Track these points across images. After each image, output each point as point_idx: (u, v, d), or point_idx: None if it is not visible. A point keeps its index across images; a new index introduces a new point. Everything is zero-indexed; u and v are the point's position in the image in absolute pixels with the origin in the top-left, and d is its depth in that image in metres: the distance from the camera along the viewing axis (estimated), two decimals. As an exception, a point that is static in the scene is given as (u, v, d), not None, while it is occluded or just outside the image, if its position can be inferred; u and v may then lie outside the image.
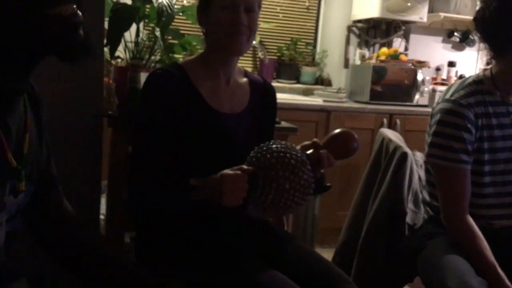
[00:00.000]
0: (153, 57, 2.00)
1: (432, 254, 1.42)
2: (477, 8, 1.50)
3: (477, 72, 3.75)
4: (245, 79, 1.41)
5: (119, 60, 2.04)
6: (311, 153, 1.19)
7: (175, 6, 1.92)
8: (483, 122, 1.43)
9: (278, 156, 1.12)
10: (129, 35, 1.96)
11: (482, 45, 1.50)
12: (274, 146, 1.15)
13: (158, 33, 1.87)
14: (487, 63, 1.49)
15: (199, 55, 1.36)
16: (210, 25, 1.28)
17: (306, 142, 1.24)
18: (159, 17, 1.75)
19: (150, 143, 1.21)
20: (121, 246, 1.90)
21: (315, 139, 1.23)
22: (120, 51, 1.96)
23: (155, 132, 1.21)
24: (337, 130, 1.28)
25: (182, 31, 2.18)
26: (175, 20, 2.18)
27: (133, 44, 1.96)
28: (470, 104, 1.41)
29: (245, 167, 1.11)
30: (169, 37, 2.06)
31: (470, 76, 1.52)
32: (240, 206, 1.10)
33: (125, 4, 1.83)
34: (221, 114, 1.30)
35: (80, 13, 0.80)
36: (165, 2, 1.73)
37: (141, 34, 1.98)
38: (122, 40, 1.92)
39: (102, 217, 2.05)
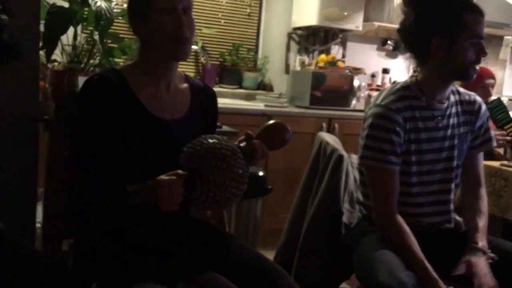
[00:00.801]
0: (91, 61, 1.96)
1: (365, 250, 1.50)
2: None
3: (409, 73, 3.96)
4: (185, 85, 1.40)
5: (55, 63, 1.99)
6: (244, 145, 1.22)
7: (115, 10, 1.90)
8: (410, 126, 1.52)
9: (208, 147, 1.14)
10: (67, 38, 1.92)
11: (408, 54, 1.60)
12: (205, 140, 1.17)
13: (96, 37, 1.84)
14: (414, 71, 1.59)
15: (137, 61, 1.34)
16: (150, 32, 1.26)
17: (240, 137, 1.27)
18: (97, 21, 1.73)
19: (87, 149, 1.20)
20: (59, 254, 1.85)
21: (248, 131, 1.26)
22: (57, 55, 1.91)
23: (92, 138, 1.20)
24: (270, 122, 1.31)
25: (122, 35, 2.16)
26: (115, 24, 2.15)
27: (70, 47, 1.92)
28: (398, 108, 1.51)
29: (180, 171, 1.12)
30: (109, 41, 2.03)
31: (399, 83, 1.62)
32: (180, 208, 1.11)
33: (62, 7, 1.79)
34: (161, 121, 1.29)
35: (5, 16, 0.79)
36: (103, 6, 1.71)
37: (79, 38, 1.95)
38: (59, 43, 1.88)
39: (38, 225, 1.99)
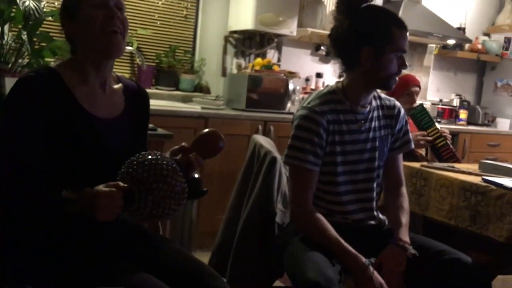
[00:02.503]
0: (20, 61, 1.90)
1: (294, 249, 1.56)
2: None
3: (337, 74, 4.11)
4: (119, 85, 1.41)
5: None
6: (180, 158, 1.25)
7: (44, 10, 1.85)
8: (334, 128, 1.61)
9: (149, 168, 1.15)
10: (-8, 37, 1.85)
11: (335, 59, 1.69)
12: (144, 158, 1.18)
13: (25, 37, 1.78)
14: (339, 76, 1.68)
15: (70, 59, 1.32)
16: (82, 28, 1.25)
17: (175, 147, 1.29)
18: (26, 21, 1.68)
19: (18, 151, 1.17)
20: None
21: (183, 144, 1.29)
22: (-19, 54, 1.83)
23: (24, 139, 1.17)
24: (204, 131, 1.34)
25: (52, 35, 2.10)
26: (45, 24, 2.09)
27: (-4, 47, 1.85)
28: (323, 111, 1.59)
29: (120, 184, 1.13)
30: (38, 41, 1.97)
31: (326, 87, 1.71)
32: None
33: (-13, 6, 1.72)
34: (97, 119, 1.29)
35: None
36: (32, 6, 1.66)
37: (6, 37, 1.87)
38: (-16, 42, 1.80)
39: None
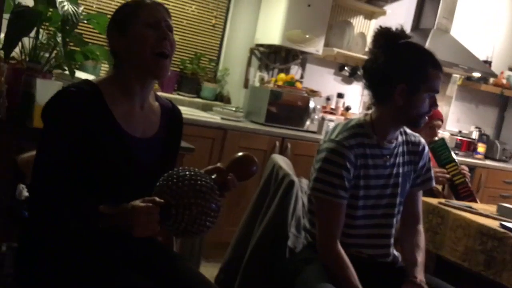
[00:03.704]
0: (51, 62, 1.92)
1: (308, 278, 1.55)
2: (367, 56, 1.67)
3: (361, 103, 4.10)
4: (156, 103, 1.41)
5: (13, 61, 1.92)
6: (216, 178, 1.26)
7: (83, 12, 1.87)
8: (361, 162, 1.60)
9: (189, 184, 1.17)
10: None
11: (366, 91, 1.68)
12: (183, 173, 1.20)
13: (59, 39, 1.80)
14: (368, 108, 1.67)
15: (113, 75, 1.32)
16: (131, 45, 1.25)
17: (209, 167, 1.31)
18: (63, 25, 1.69)
19: (55, 166, 1.18)
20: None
21: (218, 164, 1.31)
22: (15, 51, 1.85)
23: (61, 155, 1.18)
24: (239, 154, 1.36)
25: (85, 38, 2.12)
26: (79, 26, 2.11)
27: (30, 45, 1.86)
28: (351, 145, 1.58)
29: (157, 199, 1.13)
30: (71, 43, 1.99)
31: (353, 119, 1.69)
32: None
33: (27, 7, 1.74)
34: (133, 138, 1.29)
35: None
36: (70, 10, 1.68)
37: (40, 36, 1.89)
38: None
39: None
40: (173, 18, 3.77)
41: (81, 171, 1.21)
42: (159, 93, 3.41)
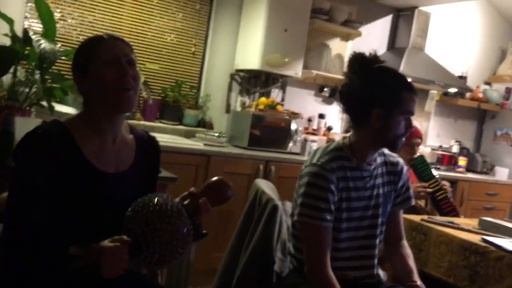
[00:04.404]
0: (30, 99, 1.92)
1: (294, 304, 1.56)
2: (343, 82, 1.71)
3: (342, 124, 4.13)
4: (130, 136, 1.41)
5: (-9, 99, 1.92)
6: (188, 203, 1.26)
7: (60, 49, 1.88)
8: (342, 185, 1.62)
9: (154, 210, 1.16)
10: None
11: (343, 115, 1.71)
12: (149, 201, 1.19)
13: (37, 76, 1.81)
14: (346, 131, 1.70)
15: (81, 113, 1.33)
16: (94, 85, 1.26)
17: (184, 194, 1.30)
18: (41, 63, 1.70)
19: (26, 208, 1.17)
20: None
21: (192, 189, 1.30)
22: (-8, 89, 1.86)
23: (33, 196, 1.17)
24: (213, 179, 1.35)
25: (63, 73, 2.13)
26: (58, 61, 2.12)
27: (8, 83, 1.87)
28: (333, 168, 1.60)
29: (125, 238, 1.13)
30: (49, 79, 1.99)
31: (332, 143, 1.72)
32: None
33: (4, 47, 1.75)
34: (106, 175, 1.29)
35: None
36: (47, 48, 1.69)
37: (18, 74, 1.90)
38: (-3, 78, 1.83)
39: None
40: (152, 47, 3.81)
41: (54, 211, 1.20)
42: (142, 122, 3.44)
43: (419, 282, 1.62)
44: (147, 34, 3.50)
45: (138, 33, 3.46)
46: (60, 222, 1.21)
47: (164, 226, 1.15)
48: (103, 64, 1.25)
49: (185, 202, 1.26)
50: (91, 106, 1.30)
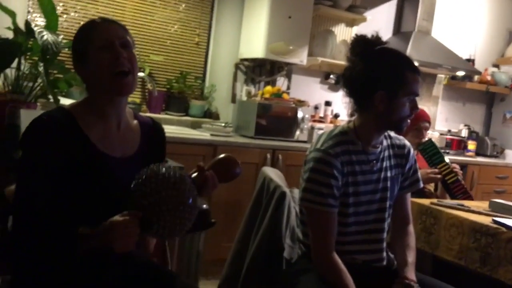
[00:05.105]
0: (35, 92, 1.92)
1: (304, 288, 1.56)
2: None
3: (348, 112, 4.12)
4: (135, 122, 1.42)
5: (-4, 93, 1.93)
6: (196, 176, 1.26)
7: (63, 40, 1.88)
8: (348, 169, 1.61)
9: (157, 179, 1.17)
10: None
11: (347, 98, 1.69)
12: (150, 171, 1.20)
13: (41, 68, 1.81)
14: (351, 115, 1.69)
15: (84, 100, 1.34)
16: (92, 71, 1.28)
17: (193, 170, 1.31)
18: (44, 54, 1.70)
19: (35, 194, 1.18)
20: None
21: (200, 163, 1.31)
22: (-3, 82, 1.86)
23: (41, 182, 1.18)
24: (222, 155, 1.36)
25: (68, 65, 2.13)
26: (61, 54, 2.12)
27: (13, 77, 1.87)
28: (337, 153, 1.59)
29: (134, 211, 1.14)
30: (54, 71, 1.99)
31: (337, 127, 1.71)
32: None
33: (6, 40, 1.76)
34: (112, 159, 1.30)
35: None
36: (50, 40, 1.69)
37: (22, 67, 1.90)
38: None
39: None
40: (156, 38, 3.81)
41: (62, 196, 1.21)
42: (147, 114, 3.44)
43: (410, 278, 1.59)
44: (150, 26, 3.49)
45: (142, 24, 3.45)
46: (69, 205, 1.22)
47: (169, 192, 1.15)
48: (97, 49, 1.26)
49: (193, 175, 1.27)
50: (93, 92, 1.32)
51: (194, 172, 1.28)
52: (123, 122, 1.36)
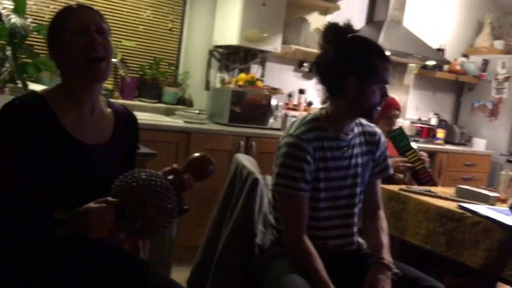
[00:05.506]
0: (2, 76, 1.88)
1: (276, 273, 1.58)
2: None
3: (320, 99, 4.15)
4: (109, 110, 1.41)
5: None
6: (173, 179, 1.27)
7: (31, 24, 1.84)
8: (319, 155, 1.63)
9: (144, 184, 1.17)
10: (-25, 50, 1.82)
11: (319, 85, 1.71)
12: (138, 174, 1.20)
13: (9, 53, 1.76)
14: (323, 102, 1.71)
15: (59, 86, 1.33)
16: (66, 56, 1.27)
17: (166, 169, 1.31)
18: (11, 38, 1.66)
19: (8, 179, 1.17)
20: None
21: (174, 165, 1.32)
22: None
23: (14, 167, 1.17)
24: (195, 155, 1.37)
25: (36, 49, 2.08)
26: (30, 38, 2.07)
27: (-21, 61, 1.82)
28: (309, 139, 1.61)
29: (110, 199, 1.14)
30: (22, 56, 1.95)
31: (310, 114, 1.73)
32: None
33: (-28, 22, 1.71)
34: (86, 146, 1.29)
35: None
36: (18, 23, 1.65)
37: (-12, 51, 1.85)
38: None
39: None
40: (129, 24, 3.74)
41: (35, 181, 1.20)
42: (120, 101, 3.40)
43: (387, 259, 1.64)
44: (122, 11, 3.43)
45: (113, 9, 3.39)
46: (43, 191, 1.21)
47: (152, 201, 1.17)
48: (72, 34, 1.26)
49: (170, 178, 1.27)
50: (67, 78, 1.31)
51: (170, 174, 1.29)
52: (97, 109, 1.36)
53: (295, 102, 4.07)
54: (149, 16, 3.55)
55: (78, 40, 1.25)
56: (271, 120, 3.59)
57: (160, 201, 1.17)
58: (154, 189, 1.17)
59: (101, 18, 1.32)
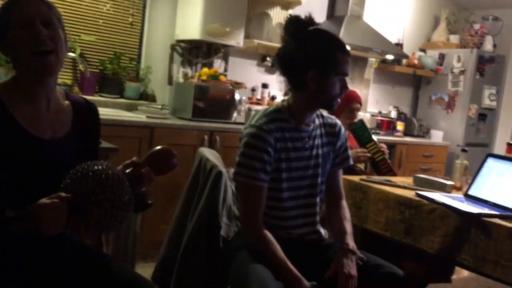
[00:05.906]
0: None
1: (239, 264, 1.60)
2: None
3: (282, 91, 4.19)
4: (67, 102, 1.37)
5: None
6: (130, 172, 1.24)
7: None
8: (281, 146, 1.66)
9: (94, 178, 1.14)
10: None
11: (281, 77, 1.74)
12: (89, 168, 1.16)
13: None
14: (285, 94, 1.74)
15: (12, 79, 1.28)
16: (12, 50, 1.23)
17: (127, 162, 1.28)
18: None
19: None
20: None
21: (134, 158, 1.28)
22: None
23: None
24: (157, 148, 1.33)
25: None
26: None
27: None
28: (271, 129, 1.64)
29: (63, 194, 1.11)
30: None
31: (272, 105, 1.75)
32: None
33: None
34: (42, 141, 1.26)
35: None
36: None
37: None
38: None
39: None
40: (88, 18, 3.66)
41: None
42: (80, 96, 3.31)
43: (351, 245, 1.68)
44: (81, 4, 3.36)
45: (72, 2, 3.31)
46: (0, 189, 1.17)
47: (106, 195, 1.13)
48: (17, 28, 1.21)
49: (127, 171, 1.25)
50: (19, 71, 1.27)
51: (129, 166, 1.26)
52: (53, 102, 1.32)
53: (259, 97, 4.10)
54: (109, 10, 3.49)
55: (22, 33, 1.20)
56: (235, 114, 3.60)
57: (113, 194, 1.13)
58: (106, 183, 1.14)
59: (49, 8, 1.27)
